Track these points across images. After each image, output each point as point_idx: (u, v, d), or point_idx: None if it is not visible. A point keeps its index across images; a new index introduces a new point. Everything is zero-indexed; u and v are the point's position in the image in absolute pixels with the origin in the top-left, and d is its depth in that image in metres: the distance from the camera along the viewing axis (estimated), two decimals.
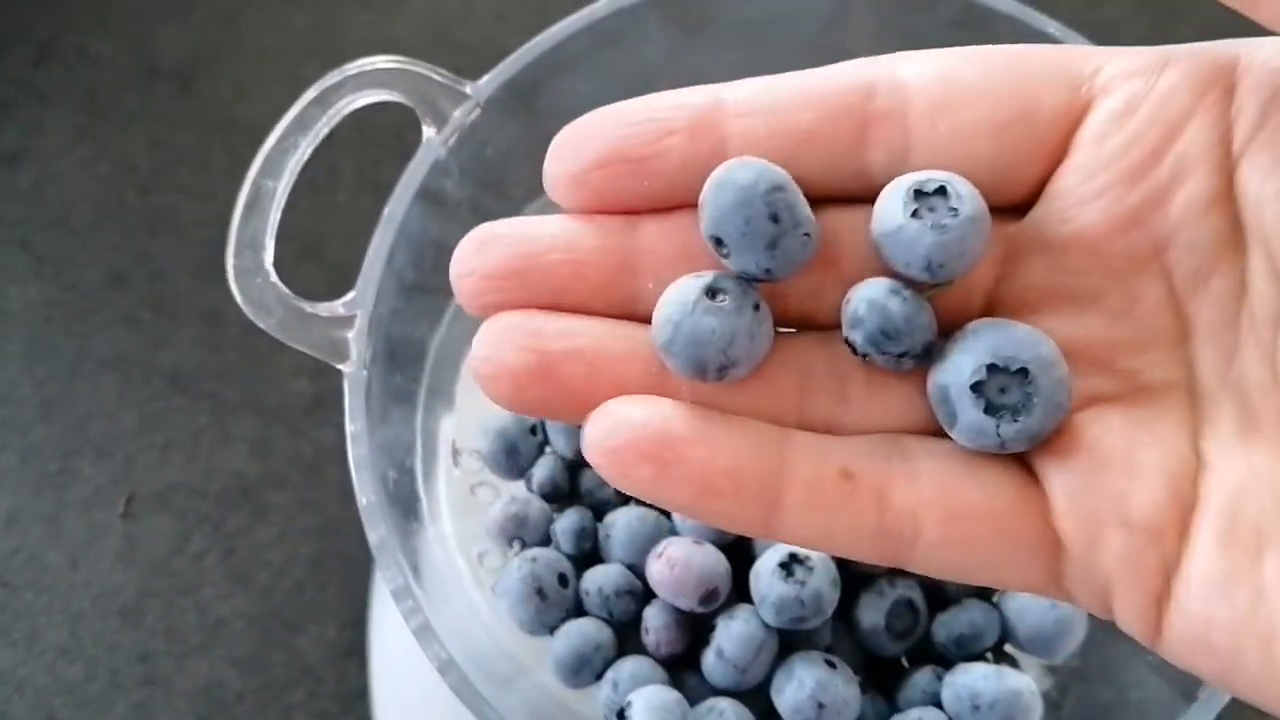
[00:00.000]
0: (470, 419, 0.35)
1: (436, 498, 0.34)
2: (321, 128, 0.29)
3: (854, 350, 0.19)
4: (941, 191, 0.18)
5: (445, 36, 0.52)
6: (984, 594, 0.32)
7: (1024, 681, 0.29)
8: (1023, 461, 0.18)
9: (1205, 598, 0.16)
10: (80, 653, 0.42)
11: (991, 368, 0.17)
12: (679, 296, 0.18)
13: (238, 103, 0.51)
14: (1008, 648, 0.32)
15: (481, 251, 0.19)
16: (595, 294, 0.19)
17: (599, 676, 0.31)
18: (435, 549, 0.33)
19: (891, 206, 0.18)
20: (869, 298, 0.18)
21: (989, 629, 0.31)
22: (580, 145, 0.19)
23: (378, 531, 0.28)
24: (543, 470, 0.33)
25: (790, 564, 0.29)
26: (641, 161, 0.19)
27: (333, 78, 0.29)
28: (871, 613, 0.31)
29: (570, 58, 0.31)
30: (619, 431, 0.17)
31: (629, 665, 0.30)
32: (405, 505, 0.31)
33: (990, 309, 0.19)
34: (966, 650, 0.31)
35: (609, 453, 0.17)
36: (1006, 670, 0.30)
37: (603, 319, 0.19)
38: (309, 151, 0.29)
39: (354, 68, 0.29)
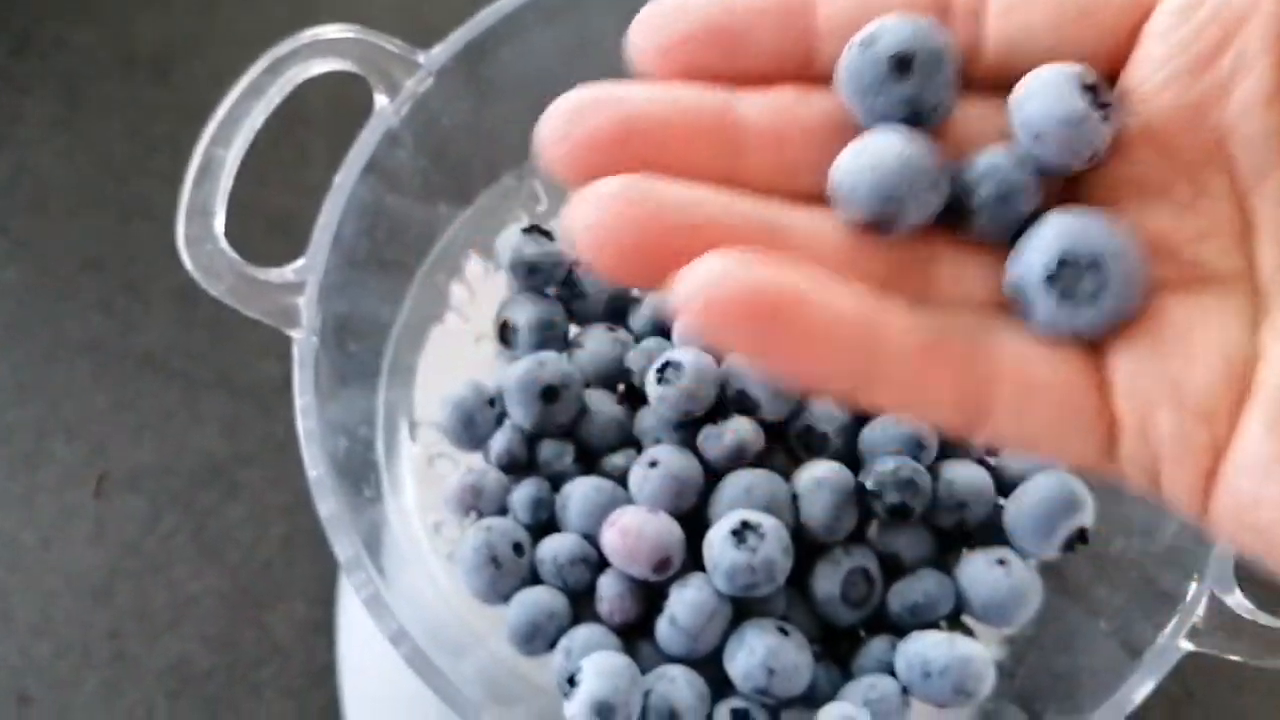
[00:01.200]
0: (430, 392, 0.35)
1: (397, 469, 0.34)
2: (274, 95, 0.29)
3: (969, 211, 0.19)
4: (1094, 88, 0.18)
5: (419, 20, 0.52)
6: (939, 564, 0.32)
7: (976, 648, 0.29)
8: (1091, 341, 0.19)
9: (1253, 477, 0.16)
10: (51, 631, 0.42)
11: (1063, 261, 0.18)
12: (880, 139, 0.18)
13: (214, 91, 0.50)
14: (964, 617, 0.32)
15: (578, 118, 0.18)
16: (702, 162, 0.18)
17: (553, 645, 0.31)
18: (395, 521, 0.33)
19: (1064, 95, 0.18)
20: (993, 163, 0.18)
21: (944, 598, 0.31)
22: (668, 20, 0.18)
23: (327, 504, 0.28)
24: (500, 441, 0.33)
25: (742, 531, 0.29)
26: (735, 36, 0.18)
27: (285, 46, 0.29)
28: (827, 581, 0.31)
29: (520, 29, 0.31)
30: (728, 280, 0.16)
31: (582, 633, 0.30)
32: (360, 477, 0.31)
33: (1066, 199, 0.19)
34: (921, 619, 0.31)
35: (717, 302, 0.16)
36: (958, 637, 0.30)
37: (713, 187, 0.18)
38: (261, 119, 0.29)
39: (306, 36, 0.29)
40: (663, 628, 0.30)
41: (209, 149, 0.28)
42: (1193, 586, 0.27)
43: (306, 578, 0.42)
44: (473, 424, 0.33)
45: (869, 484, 0.31)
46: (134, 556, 0.43)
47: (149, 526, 0.44)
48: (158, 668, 0.41)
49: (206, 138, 0.28)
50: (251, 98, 0.29)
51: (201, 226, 0.28)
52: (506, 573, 0.31)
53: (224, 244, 0.28)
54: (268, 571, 0.42)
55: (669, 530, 0.30)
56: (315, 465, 0.28)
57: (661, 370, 0.31)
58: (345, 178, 0.29)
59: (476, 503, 0.32)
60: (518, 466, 0.33)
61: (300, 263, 0.28)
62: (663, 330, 0.35)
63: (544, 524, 0.32)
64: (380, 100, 0.30)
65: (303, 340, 0.28)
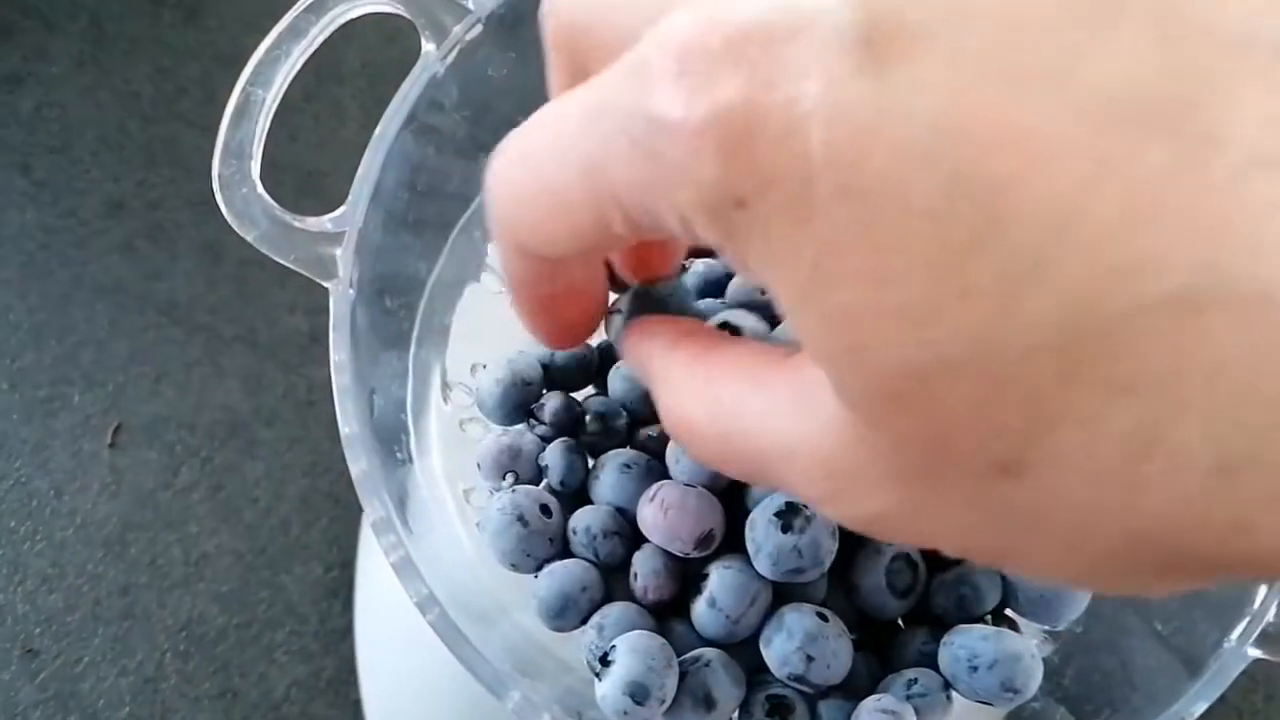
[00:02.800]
0: (462, 354, 0.34)
1: (426, 431, 0.33)
2: (316, 36, 0.28)
3: None
4: None
5: None
6: None
7: (1025, 644, 0.28)
8: None
9: None
10: (61, 582, 0.41)
11: None
12: None
13: (245, 35, 0.50)
14: (1008, 612, 0.31)
15: None
16: None
17: (584, 620, 0.29)
18: (422, 484, 0.32)
19: None
20: None
21: (990, 592, 0.30)
22: None
23: (359, 464, 0.27)
24: (553, 401, 0.32)
25: (787, 514, 0.28)
26: None
27: None
28: (871, 570, 0.30)
29: None
30: None
31: (615, 610, 0.29)
32: (392, 438, 0.30)
33: None
34: (966, 613, 0.30)
35: None
36: (1007, 632, 0.28)
37: None
38: (301, 61, 0.28)
39: None
40: (700, 609, 0.29)
41: (246, 88, 0.27)
42: (1263, 589, 0.26)
43: (324, 540, 0.41)
44: (511, 404, 0.32)
45: None
46: (148, 510, 0.42)
47: (165, 480, 0.43)
48: (169, 625, 0.41)
49: (244, 77, 0.27)
50: (292, 38, 0.27)
51: (238, 169, 0.27)
52: (534, 532, 0.30)
53: (260, 188, 0.27)
54: (285, 532, 0.41)
55: (711, 506, 0.29)
56: (349, 423, 0.27)
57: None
58: (388, 126, 0.28)
59: (513, 464, 0.31)
60: (565, 430, 0.32)
61: (339, 212, 0.27)
62: (710, 291, 0.34)
63: (575, 493, 0.31)
64: (426, 46, 0.28)
65: (339, 293, 0.27)
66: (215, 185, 0.27)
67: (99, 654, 0.40)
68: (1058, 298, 0.12)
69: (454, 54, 0.29)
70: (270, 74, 0.27)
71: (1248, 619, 0.26)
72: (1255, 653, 0.25)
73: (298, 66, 0.28)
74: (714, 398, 0.19)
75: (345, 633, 0.40)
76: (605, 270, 0.23)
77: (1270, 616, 0.25)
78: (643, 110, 0.14)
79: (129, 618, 0.41)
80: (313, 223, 0.27)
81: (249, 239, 0.26)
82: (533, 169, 0.18)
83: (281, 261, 0.27)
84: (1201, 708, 0.25)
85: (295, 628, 0.40)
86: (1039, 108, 0.12)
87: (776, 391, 0.17)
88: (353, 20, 0.31)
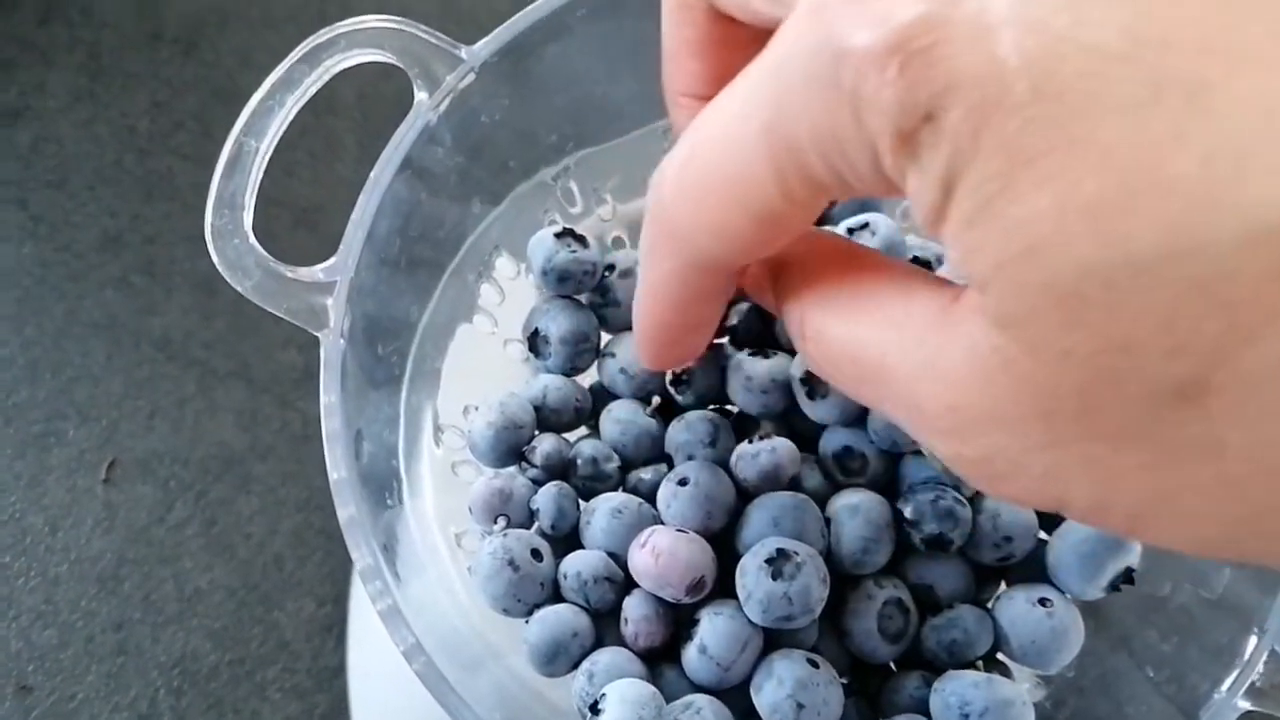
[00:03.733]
0: (454, 395, 0.34)
1: (418, 475, 0.33)
2: (310, 86, 0.28)
3: None
4: None
5: (454, 7, 0.51)
6: (977, 600, 0.31)
7: (1016, 691, 0.28)
8: None
9: None
10: (55, 618, 0.41)
11: None
12: None
13: (241, 70, 0.50)
14: (1000, 656, 0.31)
15: None
16: None
17: (574, 666, 0.29)
18: (414, 527, 0.32)
19: None
20: None
21: (982, 636, 0.30)
22: None
23: (348, 509, 0.27)
24: (546, 443, 0.32)
25: (777, 559, 0.28)
26: None
27: (323, 35, 0.28)
28: (862, 617, 0.30)
29: (564, 27, 0.30)
30: None
31: (606, 656, 0.29)
32: (382, 481, 0.30)
33: None
34: (958, 658, 0.30)
35: None
36: (998, 678, 0.28)
37: None
38: (295, 110, 0.28)
39: (345, 25, 0.28)
40: (691, 655, 0.29)
41: (239, 139, 0.27)
42: (1252, 640, 0.26)
43: (318, 576, 0.41)
44: (504, 447, 0.32)
45: (907, 513, 0.30)
46: (142, 546, 0.42)
47: (159, 516, 0.43)
48: (162, 662, 0.41)
49: (238, 128, 0.27)
50: (285, 88, 0.27)
51: (230, 220, 0.27)
52: (525, 577, 0.30)
53: (253, 239, 0.27)
54: (278, 568, 0.41)
55: (702, 552, 0.29)
56: (338, 468, 0.27)
57: None
58: (381, 174, 0.28)
59: (504, 508, 0.31)
60: (557, 473, 0.32)
61: (331, 262, 0.27)
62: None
63: (566, 537, 0.31)
64: (419, 95, 0.29)
65: (330, 342, 0.27)
66: (208, 236, 0.27)
67: (93, 690, 0.40)
68: (1266, 189, 0.12)
69: (447, 102, 0.29)
70: (264, 124, 0.27)
71: (1238, 670, 0.26)
72: (1244, 705, 0.25)
73: (291, 116, 0.28)
74: (848, 317, 0.19)
75: (338, 670, 0.40)
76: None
77: (1260, 669, 0.25)
78: (826, 47, 0.14)
79: (123, 654, 0.41)
80: (305, 273, 0.27)
81: (242, 290, 0.27)
82: (707, 166, 0.18)
83: (274, 312, 0.27)
84: None
85: (288, 664, 0.40)
86: (1237, 24, 0.12)
87: (912, 315, 0.17)
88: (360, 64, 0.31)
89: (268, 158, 0.28)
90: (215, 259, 0.27)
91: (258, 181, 0.27)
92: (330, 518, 0.42)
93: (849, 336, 0.18)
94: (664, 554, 0.29)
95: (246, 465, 0.43)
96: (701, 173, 0.18)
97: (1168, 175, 0.12)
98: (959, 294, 0.16)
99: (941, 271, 0.32)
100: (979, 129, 0.13)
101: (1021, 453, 0.15)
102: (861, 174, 0.15)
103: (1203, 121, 0.12)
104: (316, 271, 0.27)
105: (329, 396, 0.27)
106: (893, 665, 0.31)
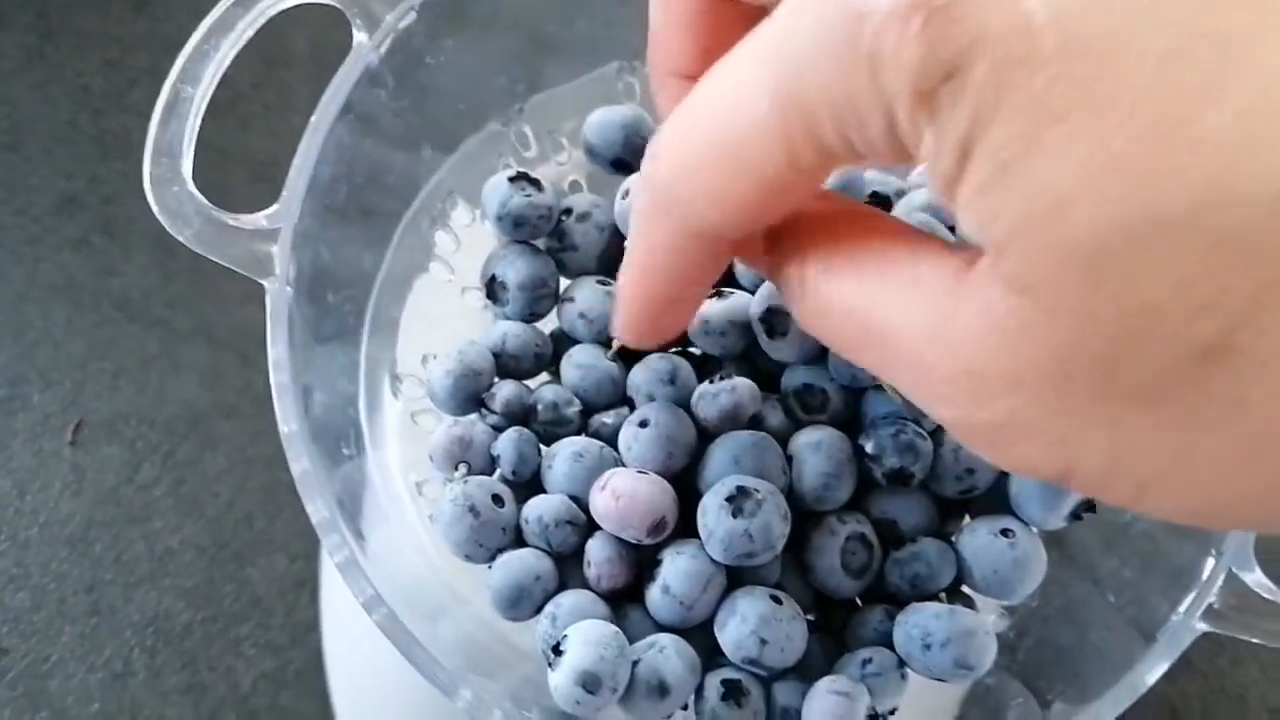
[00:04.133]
0: (414, 345, 0.34)
1: (380, 425, 0.33)
2: (245, 30, 0.27)
3: None
4: None
5: None
6: (939, 533, 0.31)
7: (978, 621, 0.28)
8: None
9: None
10: (27, 581, 0.41)
11: None
12: None
13: (193, 23, 0.48)
14: (965, 589, 0.31)
15: None
16: None
17: (538, 610, 0.29)
18: (376, 478, 0.32)
19: None
20: None
21: (944, 568, 0.30)
22: None
23: (300, 462, 0.27)
24: (506, 389, 0.32)
25: (738, 497, 0.28)
26: None
27: None
28: (825, 551, 0.30)
29: None
30: None
31: (569, 599, 0.29)
32: (339, 433, 0.30)
33: None
34: (921, 591, 0.30)
35: None
36: (960, 609, 0.28)
37: None
38: (231, 56, 0.27)
39: None
40: (655, 595, 0.29)
41: (175, 86, 0.27)
42: (1210, 563, 0.26)
43: (288, 532, 0.41)
44: (463, 394, 0.32)
45: (868, 448, 0.29)
46: (111, 507, 0.42)
47: (127, 477, 0.42)
48: (135, 621, 0.41)
49: (173, 75, 0.27)
50: (220, 33, 0.27)
51: (168, 168, 0.26)
52: (486, 523, 0.29)
53: (191, 186, 0.26)
54: (248, 525, 0.41)
55: (662, 492, 0.29)
56: (288, 421, 0.27)
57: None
58: (321, 119, 0.27)
59: (465, 455, 0.31)
60: (518, 419, 0.32)
61: (274, 209, 0.27)
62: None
63: (528, 483, 0.31)
64: (359, 37, 0.28)
65: (276, 290, 0.26)
66: (146, 185, 0.26)
67: (67, 651, 0.40)
68: None
69: (388, 43, 0.28)
70: (199, 70, 0.27)
71: (1195, 592, 0.26)
72: (1203, 626, 0.25)
73: (228, 61, 0.27)
74: (853, 279, 0.18)
75: (312, 624, 0.40)
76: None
77: (1216, 591, 0.25)
78: (842, 6, 0.14)
79: (95, 614, 0.41)
80: (247, 220, 0.27)
81: (182, 239, 0.26)
82: (710, 135, 0.17)
83: (218, 260, 0.27)
84: (1154, 677, 0.25)
85: (261, 620, 0.40)
86: None
87: (921, 278, 0.17)
88: (300, 5, 0.30)
89: (205, 103, 0.27)
90: (154, 208, 0.26)
91: (196, 128, 0.27)
92: None
93: (853, 299, 0.18)
94: (624, 495, 0.28)
95: (212, 424, 0.43)
96: (704, 141, 0.18)
97: (1199, 130, 0.12)
98: (972, 257, 0.15)
99: (930, 228, 0.32)
100: (1002, 86, 0.13)
101: (1036, 417, 0.15)
102: (874, 139, 0.15)
103: (1235, 74, 0.12)
104: (259, 218, 0.27)
105: (276, 348, 0.27)
106: (858, 601, 0.31)
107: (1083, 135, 0.12)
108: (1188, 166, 0.12)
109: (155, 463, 0.42)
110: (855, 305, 0.18)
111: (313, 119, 0.27)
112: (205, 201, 0.26)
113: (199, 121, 0.27)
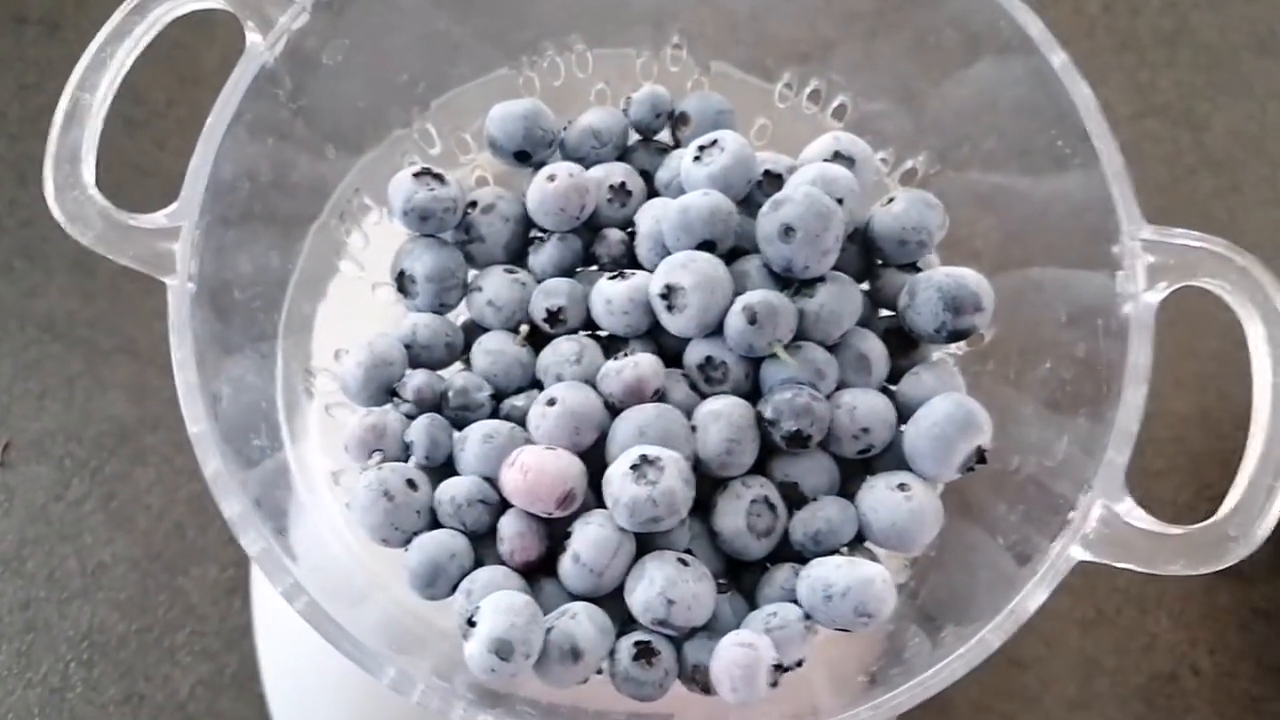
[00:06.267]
0: (329, 342, 0.34)
1: (299, 420, 0.34)
2: (142, 36, 0.28)
3: None
4: None
5: None
6: (842, 492, 0.32)
7: (877, 569, 0.29)
8: None
9: None
10: None
11: None
12: None
13: None
14: (868, 545, 0.32)
15: None
16: None
17: (454, 588, 0.30)
18: (296, 471, 0.33)
19: None
20: None
21: (845, 525, 0.31)
22: None
23: (212, 463, 0.28)
24: (417, 378, 0.32)
25: (641, 465, 0.29)
26: None
27: None
28: (731, 516, 0.31)
29: None
30: None
31: (484, 575, 0.30)
32: (250, 429, 0.31)
33: None
34: (825, 547, 0.31)
35: None
36: (859, 560, 0.30)
37: None
38: (128, 62, 0.28)
39: None
40: (566, 565, 0.30)
41: (74, 94, 0.27)
42: (1084, 498, 0.27)
43: (218, 541, 0.42)
44: (374, 385, 0.32)
45: (766, 412, 0.31)
46: (42, 525, 0.42)
47: (57, 494, 0.43)
48: (70, 636, 0.41)
49: (72, 83, 0.27)
50: (116, 40, 0.28)
51: (70, 174, 0.27)
52: (400, 506, 0.30)
53: (92, 190, 0.27)
54: (179, 535, 0.42)
55: (569, 465, 0.30)
56: (196, 421, 0.27)
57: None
58: (217, 119, 0.28)
59: (379, 443, 0.32)
60: (430, 406, 0.33)
61: (173, 207, 0.28)
62: (564, 270, 0.34)
63: (442, 467, 0.32)
64: (252, 38, 0.29)
65: (178, 287, 0.27)
66: (48, 191, 0.27)
67: (4, 669, 0.41)
68: None
69: (282, 44, 0.29)
70: (97, 78, 0.28)
71: (1072, 524, 0.27)
72: (1079, 553, 0.27)
73: (125, 68, 0.28)
74: None
75: (246, 629, 0.40)
76: None
77: (1091, 524, 0.27)
78: None
79: (31, 630, 0.41)
80: (147, 219, 0.27)
81: (84, 242, 0.27)
82: None
83: (120, 261, 0.27)
84: (1035, 604, 0.26)
85: (196, 628, 0.41)
86: None
87: None
88: (210, 20, 0.31)
89: (105, 110, 0.28)
90: (56, 213, 0.27)
91: (97, 134, 0.28)
92: None
93: None
94: (532, 469, 0.29)
95: (140, 437, 0.43)
96: None
97: None
98: None
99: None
100: None
101: None
102: None
103: None
104: (159, 217, 0.27)
105: (180, 350, 0.27)
106: (766, 564, 0.32)
107: None
108: None
109: (84, 479, 0.43)
110: None
111: (209, 119, 0.28)
112: (106, 203, 0.27)
113: (100, 126, 0.28)
